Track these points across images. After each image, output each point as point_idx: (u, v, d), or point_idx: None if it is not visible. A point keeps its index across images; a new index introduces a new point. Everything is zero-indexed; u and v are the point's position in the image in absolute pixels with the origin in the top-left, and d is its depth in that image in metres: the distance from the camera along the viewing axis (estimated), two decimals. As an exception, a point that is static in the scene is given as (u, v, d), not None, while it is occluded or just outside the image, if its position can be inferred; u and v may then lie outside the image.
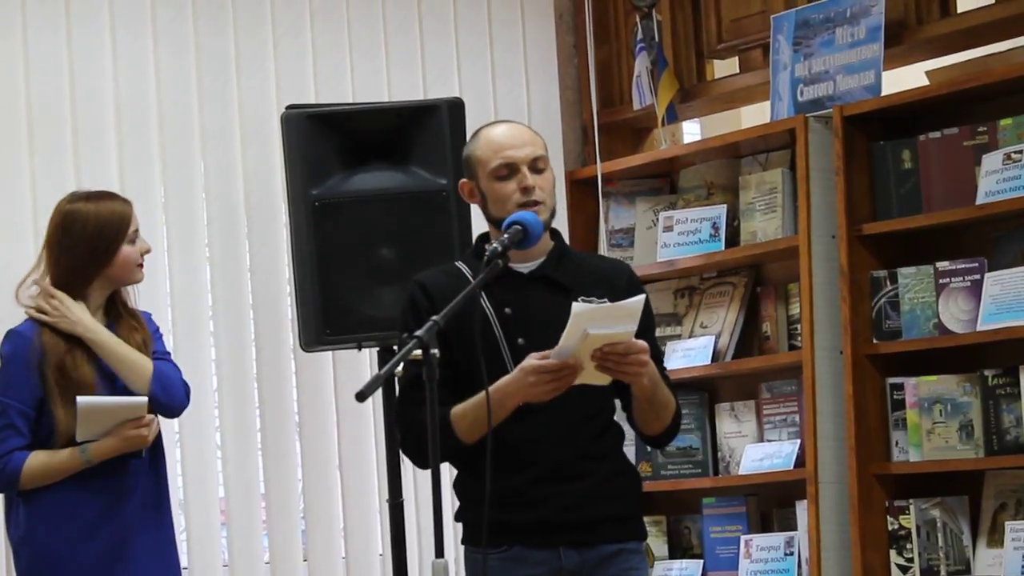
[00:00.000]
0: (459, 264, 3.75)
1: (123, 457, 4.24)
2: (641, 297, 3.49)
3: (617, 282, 3.74)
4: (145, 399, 4.21)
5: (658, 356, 3.79)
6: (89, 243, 4.27)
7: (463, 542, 3.73)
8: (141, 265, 4.36)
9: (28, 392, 4.22)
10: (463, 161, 3.78)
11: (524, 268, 3.71)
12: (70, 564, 4.21)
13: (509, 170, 3.68)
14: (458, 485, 3.75)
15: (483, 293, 3.63)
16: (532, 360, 3.48)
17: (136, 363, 4.28)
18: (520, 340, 3.60)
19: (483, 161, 3.71)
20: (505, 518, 3.59)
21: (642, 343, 3.51)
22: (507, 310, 3.65)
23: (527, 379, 3.48)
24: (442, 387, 3.54)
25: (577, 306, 3.40)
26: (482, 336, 3.58)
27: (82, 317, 4.26)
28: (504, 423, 3.56)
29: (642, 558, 3.75)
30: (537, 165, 3.70)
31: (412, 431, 3.59)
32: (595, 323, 3.41)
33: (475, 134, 3.79)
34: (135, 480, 4.29)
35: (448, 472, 5.24)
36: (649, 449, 5.44)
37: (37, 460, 4.21)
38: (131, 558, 4.26)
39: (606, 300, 3.62)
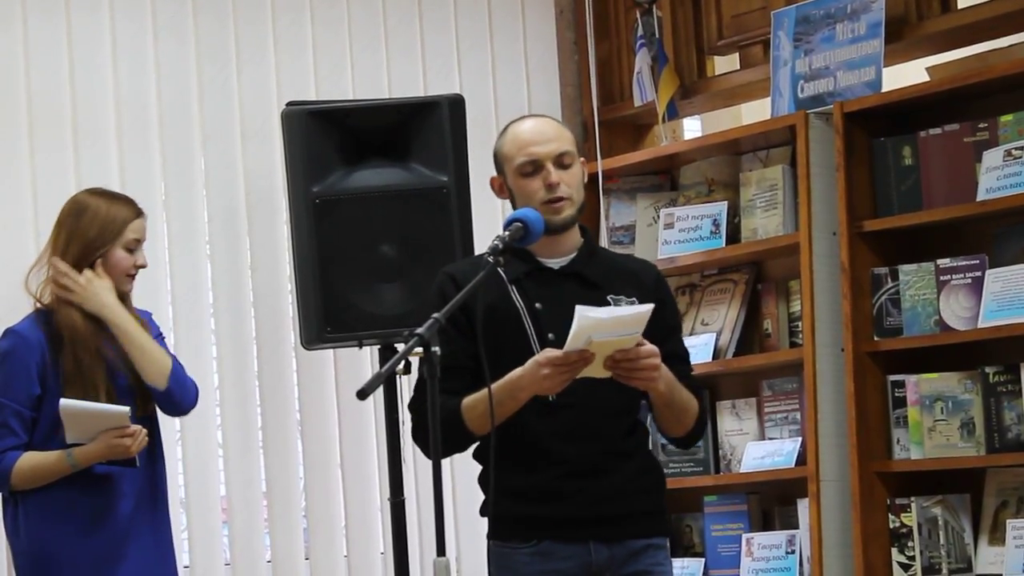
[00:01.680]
0: (488, 257, 3.72)
1: (118, 462, 4.24)
2: (648, 306, 3.46)
3: (646, 281, 3.73)
4: (127, 409, 4.20)
5: (683, 355, 3.79)
6: (89, 235, 4.28)
7: (489, 537, 3.70)
8: (131, 276, 4.35)
9: (25, 392, 4.22)
10: (493, 156, 3.77)
11: (555, 264, 3.70)
12: (68, 564, 4.21)
13: (534, 167, 3.67)
14: (482, 480, 3.71)
15: (514, 288, 3.64)
16: (546, 352, 3.48)
17: (156, 355, 4.30)
18: (551, 335, 3.59)
19: (509, 158, 3.70)
20: (534, 512, 3.61)
21: (652, 348, 3.50)
22: (538, 305, 3.64)
23: (540, 371, 3.47)
24: (462, 378, 3.57)
25: (581, 310, 3.38)
26: (513, 331, 3.59)
27: (108, 299, 4.25)
28: (531, 419, 3.57)
29: (667, 555, 3.74)
30: (563, 161, 3.69)
31: (425, 421, 3.57)
32: (600, 331, 3.40)
33: (504, 129, 3.78)
34: (132, 480, 4.30)
35: (449, 469, 5.26)
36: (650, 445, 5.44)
37: (27, 461, 4.22)
38: (128, 557, 4.27)
39: (635, 299, 3.64)
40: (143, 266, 4.38)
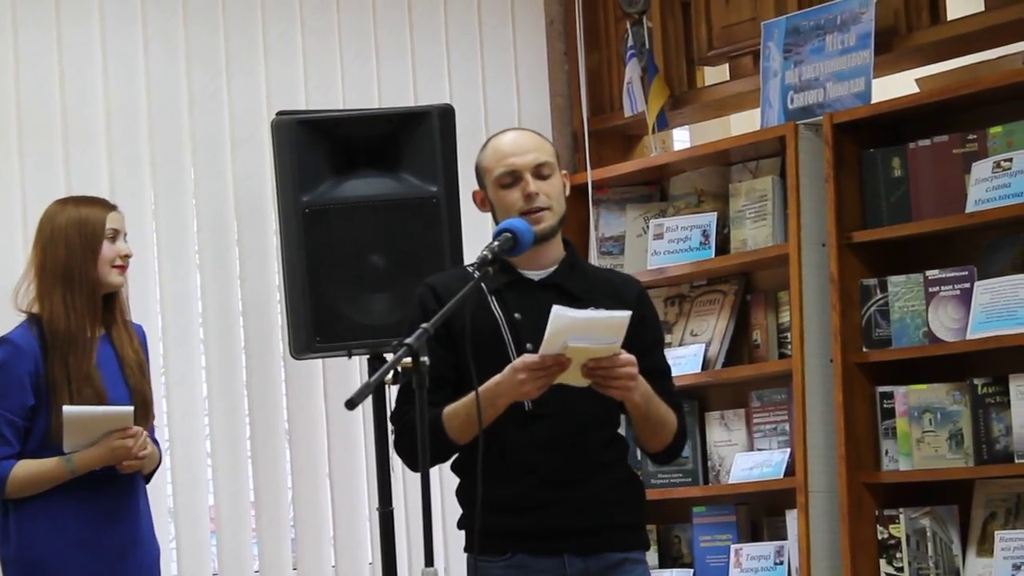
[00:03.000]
0: (469, 268, 3.73)
1: (112, 473, 4.23)
2: (626, 313, 3.45)
3: (628, 296, 3.71)
4: (131, 409, 4.21)
5: (665, 370, 3.77)
6: (68, 241, 4.27)
7: (466, 550, 3.69)
8: (119, 268, 4.34)
9: (18, 401, 4.21)
10: (475, 170, 3.78)
11: (535, 275, 3.70)
12: (66, 574, 4.20)
13: (512, 178, 3.67)
14: (460, 492, 3.72)
15: (493, 299, 3.64)
16: (523, 358, 3.47)
17: (156, 459, 4.39)
18: (529, 346, 3.57)
19: (488, 170, 3.71)
20: (509, 524, 3.59)
21: (629, 356, 3.49)
22: (517, 316, 3.64)
23: (516, 376, 3.46)
24: (442, 389, 3.56)
25: (557, 309, 3.38)
26: (491, 341, 3.59)
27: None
28: (507, 429, 3.56)
29: (645, 569, 3.72)
30: (542, 171, 3.68)
31: (406, 432, 3.58)
32: (576, 334, 3.40)
33: (485, 143, 3.79)
34: (125, 491, 4.29)
35: (438, 480, 5.26)
36: (639, 456, 5.43)
37: (23, 469, 4.20)
38: (122, 570, 4.26)
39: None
40: (129, 255, 4.37)
